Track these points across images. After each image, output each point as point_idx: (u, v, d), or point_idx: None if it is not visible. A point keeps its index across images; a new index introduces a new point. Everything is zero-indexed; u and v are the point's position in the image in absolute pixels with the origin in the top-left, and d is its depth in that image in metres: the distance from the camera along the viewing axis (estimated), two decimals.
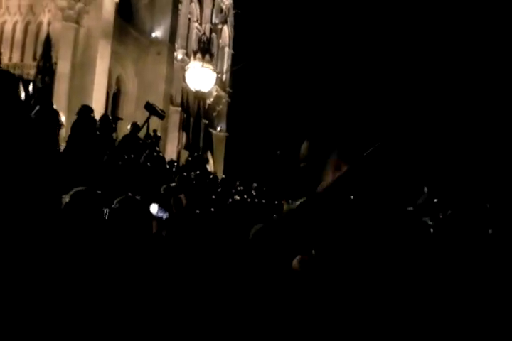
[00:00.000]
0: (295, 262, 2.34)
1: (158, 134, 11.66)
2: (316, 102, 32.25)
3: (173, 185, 6.08)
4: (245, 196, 11.21)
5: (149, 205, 3.52)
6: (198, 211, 4.68)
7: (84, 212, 2.76)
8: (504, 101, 27.15)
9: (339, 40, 33.82)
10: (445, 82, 29.99)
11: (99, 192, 3.03)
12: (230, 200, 9.67)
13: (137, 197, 3.65)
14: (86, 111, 9.69)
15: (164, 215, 3.57)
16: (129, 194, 5.05)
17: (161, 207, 3.61)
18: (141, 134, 10.23)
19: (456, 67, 29.91)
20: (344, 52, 33.63)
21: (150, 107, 9.31)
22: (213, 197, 8.30)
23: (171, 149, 21.96)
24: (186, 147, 24.28)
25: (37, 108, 6.21)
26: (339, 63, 33.54)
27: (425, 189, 4.96)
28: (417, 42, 32.47)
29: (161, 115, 9.75)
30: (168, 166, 9.21)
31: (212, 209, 6.81)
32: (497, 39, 29.53)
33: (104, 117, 10.56)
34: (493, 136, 26.66)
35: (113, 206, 3.46)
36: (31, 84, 13.56)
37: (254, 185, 13.43)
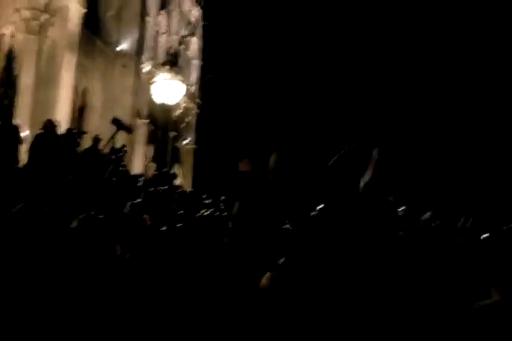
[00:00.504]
0: (264, 280, 2.31)
1: (125, 148, 11.53)
2: (285, 114, 32.50)
3: (138, 201, 5.99)
4: (213, 209, 11.12)
5: (113, 224, 3.44)
6: (163, 228, 4.60)
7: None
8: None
9: (307, 49, 34.29)
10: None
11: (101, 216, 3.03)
12: (198, 215, 9.59)
13: (100, 216, 3.56)
14: (50, 125, 9.54)
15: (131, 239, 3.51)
16: (92, 212, 4.95)
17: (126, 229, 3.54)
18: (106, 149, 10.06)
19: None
20: (313, 60, 34.10)
21: (117, 122, 9.26)
22: (180, 212, 8.21)
23: (138, 162, 21.69)
24: (154, 160, 24.04)
25: None
26: (308, 72, 33.97)
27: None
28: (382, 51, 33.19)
29: (129, 129, 9.66)
30: (134, 181, 9.10)
31: (180, 225, 6.73)
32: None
33: (68, 131, 10.40)
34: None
35: (73, 225, 3.38)
36: None
37: (222, 197, 13.35)
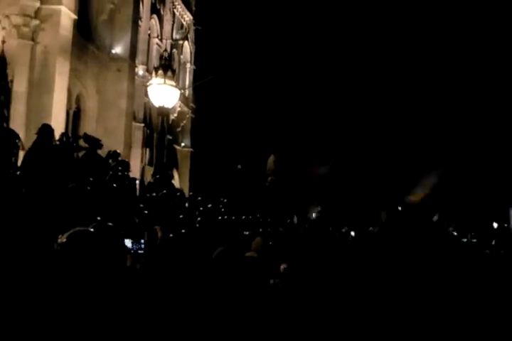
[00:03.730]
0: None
1: (118, 151, 11.45)
2: (280, 116, 32.43)
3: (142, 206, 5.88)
4: (214, 213, 11.03)
5: (122, 233, 3.33)
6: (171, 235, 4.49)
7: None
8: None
9: (300, 52, 34.27)
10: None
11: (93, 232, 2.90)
12: (199, 219, 9.47)
13: (109, 224, 3.46)
14: (46, 130, 9.38)
15: (139, 250, 3.38)
16: (99, 218, 4.83)
17: (134, 241, 3.42)
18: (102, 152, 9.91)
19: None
20: (306, 62, 34.07)
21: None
22: (181, 216, 8.10)
23: (135, 166, 21.54)
24: (150, 163, 23.92)
25: None
26: (302, 74, 33.94)
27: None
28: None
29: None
30: (134, 186, 8.97)
31: (183, 231, 6.62)
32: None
33: (63, 136, 10.22)
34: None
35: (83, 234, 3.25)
36: None
37: (224, 200, 13.26)
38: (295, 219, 19.08)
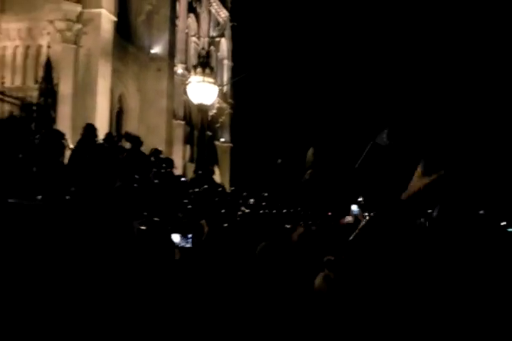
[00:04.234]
0: (319, 280, 2.21)
1: (160, 148, 11.73)
2: (319, 108, 32.28)
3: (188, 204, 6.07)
4: (255, 206, 11.18)
5: (170, 229, 3.50)
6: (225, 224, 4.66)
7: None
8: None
9: (339, 46, 33.95)
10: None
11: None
12: (240, 213, 9.65)
13: (156, 219, 3.64)
14: (90, 129, 9.74)
15: (187, 244, 3.54)
16: (145, 214, 5.05)
17: (183, 236, 3.58)
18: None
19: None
20: (345, 57, 33.74)
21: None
22: (223, 210, 8.27)
23: (177, 163, 21.96)
24: (191, 160, 24.32)
25: (39, 132, 6.22)
26: (339, 68, 33.63)
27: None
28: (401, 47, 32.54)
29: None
30: (179, 182, 9.21)
31: (225, 225, 6.79)
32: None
33: (108, 136, 10.58)
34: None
35: (136, 227, 3.42)
36: (34, 107, 13.67)
37: (265, 194, 13.40)
38: (336, 212, 19.00)
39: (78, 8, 16.15)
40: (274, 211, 11.71)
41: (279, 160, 26.43)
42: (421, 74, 30.49)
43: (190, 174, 18.43)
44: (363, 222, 1.91)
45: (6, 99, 14.36)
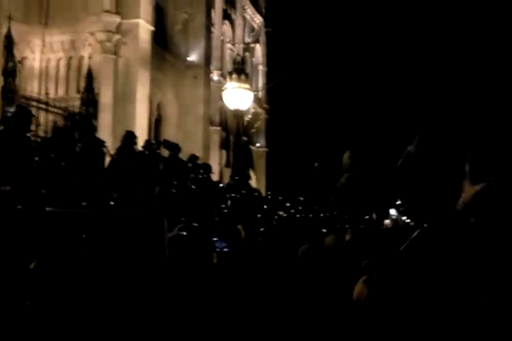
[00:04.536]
0: (360, 287, 2.14)
1: (197, 154, 11.95)
2: (354, 111, 32.06)
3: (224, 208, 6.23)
4: (292, 211, 11.27)
5: (208, 233, 3.64)
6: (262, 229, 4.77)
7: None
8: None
9: (377, 49, 33.66)
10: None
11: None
12: (276, 217, 9.76)
13: (194, 224, 3.79)
14: (130, 136, 10.02)
15: (225, 248, 3.66)
16: (183, 219, 5.23)
17: (220, 239, 3.71)
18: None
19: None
20: (380, 61, 33.42)
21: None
22: (259, 215, 8.39)
23: (213, 168, 22.27)
24: (227, 165, 24.59)
25: (82, 140, 6.50)
26: (375, 72, 33.34)
27: None
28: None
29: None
30: (217, 188, 9.38)
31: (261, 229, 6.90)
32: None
33: (147, 143, 10.88)
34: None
35: (173, 233, 3.56)
36: (77, 117, 14.18)
37: (301, 198, 13.49)
38: (374, 216, 18.86)
39: (117, 19, 16.67)
40: (311, 215, 11.77)
41: (316, 164, 26.36)
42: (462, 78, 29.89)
43: (226, 179, 18.67)
44: (416, 234, 1.88)
45: (50, 109, 14.94)
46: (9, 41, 13.87)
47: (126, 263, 3.19)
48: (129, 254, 3.29)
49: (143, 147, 10.26)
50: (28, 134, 5.54)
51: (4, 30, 13.56)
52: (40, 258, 2.25)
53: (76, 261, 2.60)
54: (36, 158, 5.00)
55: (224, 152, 24.93)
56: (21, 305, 2.40)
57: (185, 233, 3.31)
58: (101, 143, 8.86)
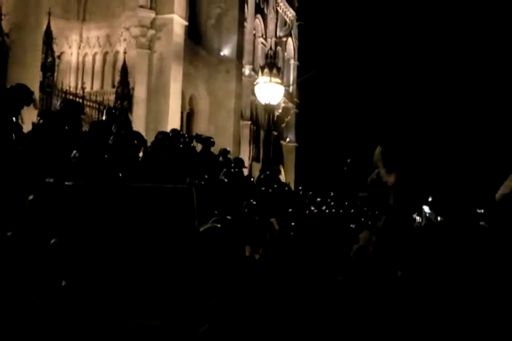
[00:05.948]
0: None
1: (228, 148, 12.05)
2: (386, 105, 31.69)
3: (253, 202, 6.32)
4: (324, 207, 11.31)
5: (241, 227, 3.74)
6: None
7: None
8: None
9: (406, 46, 33.16)
10: None
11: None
12: (307, 212, 9.82)
13: (228, 217, 3.89)
14: (177, 134, 10.03)
15: None
16: (216, 212, 5.35)
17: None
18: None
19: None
20: (412, 56, 32.90)
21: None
22: (290, 209, 8.45)
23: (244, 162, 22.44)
24: (257, 159, 24.71)
25: (119, 133, 6.67)
26: (407, 67, 32.85)
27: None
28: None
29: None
30: (248, 182, 9.50)
31: (292, 224, 6.99)
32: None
33: (175, 133, 10.94)
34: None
35: (208, 226, 3.67)
36: (113, 110, 14.50)
37: (331, 193, 13.51)
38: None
39: (152, 14, 16.91)
40: (341, 210, 11.79)
41: (349, 160, 26.22)
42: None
43: (255, 173, 18.78)
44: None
45: (87, 103, 15.34)
46: (48, 37, 14.27)
47: (159, 230, 3.32)
48: (162, 223, 3.44)
49: (173, 140, 10.38)
50: (79, 127, 5.74)
51: (44, 26, 13.94)
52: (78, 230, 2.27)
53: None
54: (74, 152, 5.16)
55: (254, 146, 25.06)
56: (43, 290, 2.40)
57: (219, 225, 3.40)
58: (137, 136, 9.06)
